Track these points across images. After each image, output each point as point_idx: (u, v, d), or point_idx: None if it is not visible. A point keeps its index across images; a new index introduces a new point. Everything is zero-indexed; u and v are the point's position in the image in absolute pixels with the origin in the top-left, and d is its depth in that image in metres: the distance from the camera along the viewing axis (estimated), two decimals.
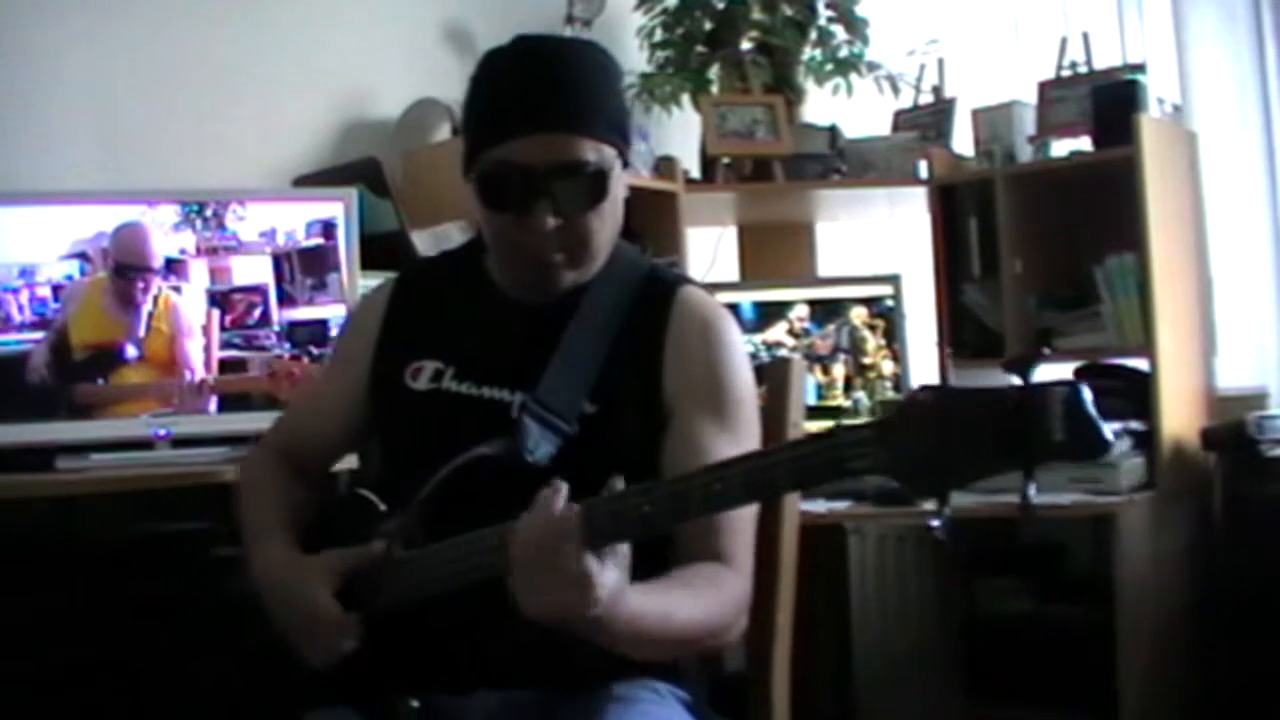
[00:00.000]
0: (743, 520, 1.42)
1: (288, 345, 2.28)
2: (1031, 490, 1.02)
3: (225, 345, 2.24)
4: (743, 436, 1.46)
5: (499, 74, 1.47)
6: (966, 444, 1.02)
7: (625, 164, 1.50)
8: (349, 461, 1.77)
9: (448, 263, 1.66)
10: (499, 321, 1.52)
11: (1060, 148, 3.12)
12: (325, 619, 1.39)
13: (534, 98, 1.42)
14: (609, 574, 1.17)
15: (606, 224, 1.48)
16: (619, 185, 1.49)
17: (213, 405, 2.23)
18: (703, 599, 1.33)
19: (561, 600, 1.17)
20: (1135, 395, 2.85)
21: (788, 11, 3.35)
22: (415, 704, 1.39)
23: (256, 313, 2.26)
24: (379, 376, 1.57)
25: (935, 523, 1.04)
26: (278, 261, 2.28)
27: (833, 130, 3.31)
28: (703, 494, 1.16)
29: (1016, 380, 1.02)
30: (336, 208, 2.32)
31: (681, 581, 1.32)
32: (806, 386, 2.83)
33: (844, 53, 3.39)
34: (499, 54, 1.49)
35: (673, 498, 1.17)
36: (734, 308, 3.09)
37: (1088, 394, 0.99)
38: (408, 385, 1.52)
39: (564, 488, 1.21)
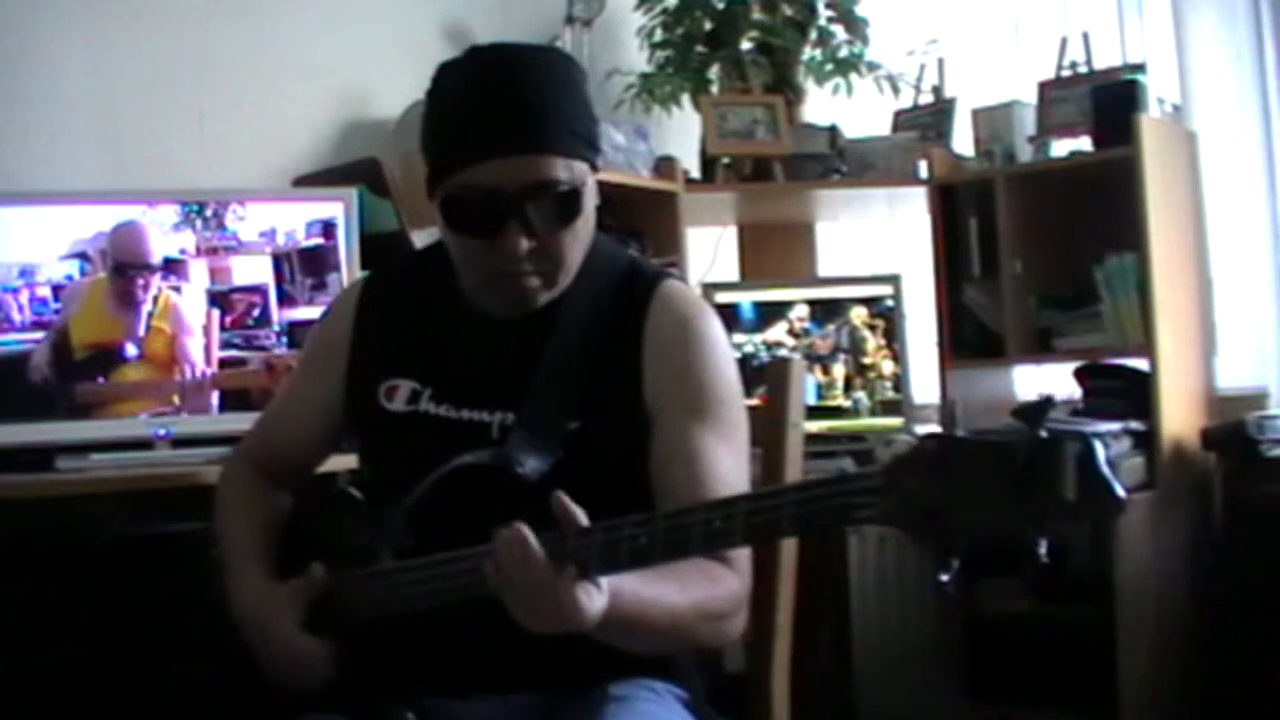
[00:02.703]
0: None
1: (287, 345, 2.28)
2: (1042, 548, 0.99)
3: (225, 345, 2.24)
4: (729, 435, 1.44)
5: (459, 92, 1.41)
6: (975, 498, 0.99)
7: (595, 170, 1.46)
8: (347, 461, 1.76)
9: (416, 267, 1.60)
10: (475, 338, 1.49)
11: (1060, 148, 3.13)
12: (296, 654, 1.41)
13: (499, 119, 1.36)
14: (598, 599, 1.17)
15: (580, 239, 1.44)
16: (590, 198, 1.45)
17: (214, 405, 2.23)
18: (695, 588, 1.31)
19: (558, 626, 1.18)
20: (1135, 395, 2.85)
21: (788, 11, 3.35)
22: (411, 716, 1.38)
23: (256, 313, 2.26)
24: (352, 391, 1.55)
25: (944, 577, 1.01)
26: (278, 261, 2.28)
27: (833, 130, 3.31)
28: (703, 530, 1.14)
29: (1025, 427, 0.98)
30: (336, 208, 2.32)
31: (674, 572, 1.30)
32: (806, 386, 2.83)
33: (844, 53, 3.39)
34: (454, 69, 1.43)
35: (670, 532, 1.15)
36: (734, 308, 3.10)
37: (1101, 450, 0.96)
38: (383, 406, 1.50)
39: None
